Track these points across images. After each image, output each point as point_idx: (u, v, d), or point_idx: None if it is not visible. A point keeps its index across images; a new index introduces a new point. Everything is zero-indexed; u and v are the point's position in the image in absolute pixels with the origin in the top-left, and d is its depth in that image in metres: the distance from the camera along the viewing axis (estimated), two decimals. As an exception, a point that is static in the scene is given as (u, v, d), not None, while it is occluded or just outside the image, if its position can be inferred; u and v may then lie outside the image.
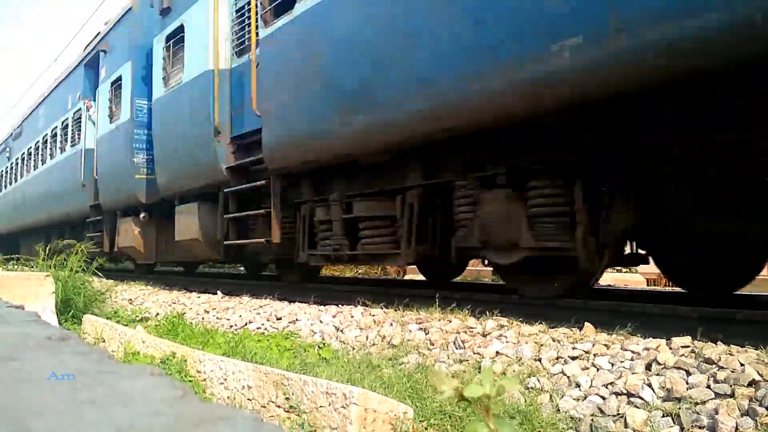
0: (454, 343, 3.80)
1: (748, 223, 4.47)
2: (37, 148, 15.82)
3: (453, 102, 4.05)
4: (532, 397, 2.91)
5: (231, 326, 5.59)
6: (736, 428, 2.29)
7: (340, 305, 5.46)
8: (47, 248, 6.61)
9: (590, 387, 2.86)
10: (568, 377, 3.02)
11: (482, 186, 4.59)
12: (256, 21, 6.38)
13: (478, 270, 12.87)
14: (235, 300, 6.83)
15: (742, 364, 2.61)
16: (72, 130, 12.97)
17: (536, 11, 3.48)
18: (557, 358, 3.23)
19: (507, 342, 3.60)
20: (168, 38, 8.36)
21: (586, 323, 3.65)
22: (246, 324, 5.52)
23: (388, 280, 11.73)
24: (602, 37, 3.11)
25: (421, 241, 5.09)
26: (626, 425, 2.52)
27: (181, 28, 7.99)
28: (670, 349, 2.99)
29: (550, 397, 2.89)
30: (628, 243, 5.12)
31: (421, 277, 11.90)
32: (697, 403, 2.48)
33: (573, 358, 3.17)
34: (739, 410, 2.36)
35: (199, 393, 3.05)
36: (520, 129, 4.11)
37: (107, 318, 5.17)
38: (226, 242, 7.28)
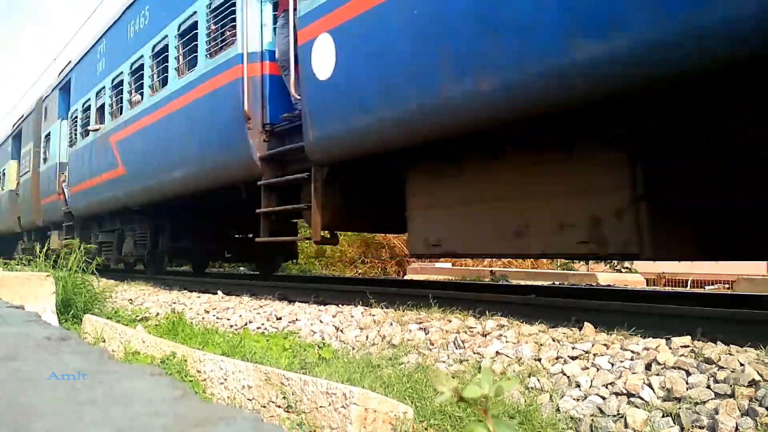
0: (454, 343, 3.80)
1: None
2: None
3: None
4: (532, 397, 2.91)
5: (231, 326, 5.59)
6: (736, 428, 2.29)
7: (340, 305, 5.46)
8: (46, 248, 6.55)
9: (590, 387, 2.86)
10: (568, 377, 3.02)
11: None
12: None
13: (478, 270, 12.87)
14: (235, 300, 6.82)
15: (742, 364, 2.61)
16: None
17: None
18: (557, 358, 3.23)
19: (507, 342, 3.61)
20: None
21: (586, 323, 3.65)
22: (246, 324, 5.52)
23: (388, 280, 11.73)
24: None
25: None
26: (626, 425, 2.52)
27: None
28: (670, 349, 2.99)
29: (550, 397, 2.89)
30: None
31: (420, 277, 11.90)
32: (697, 403, 2.48)
33: (573, 358, 3.17)
34: (739, 410, 2.36)
35: (199, 393, 3.05)
36: None
37: (107, 318, 5.16)
38: None
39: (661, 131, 3.72)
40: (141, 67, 8.97)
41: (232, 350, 3.92)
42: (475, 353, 3.58)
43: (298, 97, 5.56)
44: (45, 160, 13.84)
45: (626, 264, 14.77)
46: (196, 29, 7.28)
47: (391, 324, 4.42)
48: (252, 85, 6.24)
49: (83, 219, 11.95)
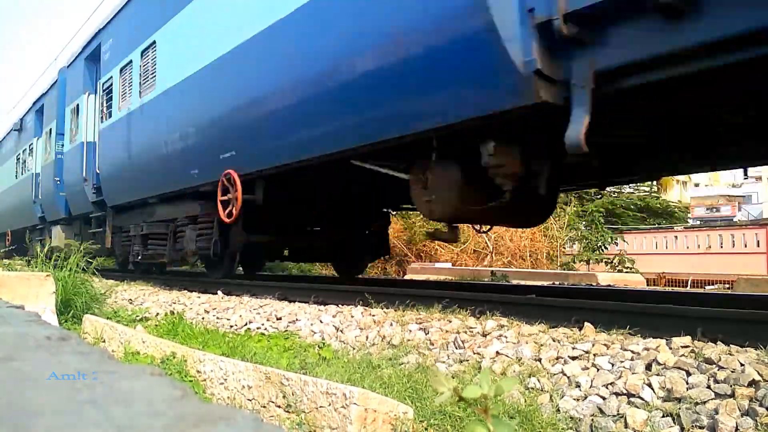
0: (454, 343, 3.80)
1: None
2: None
3: None
4: (532, 397, 2.91)
5: (231, 326, 5.59)
6: (737, 428, 2.29)
7: (340, 305, 5.46)
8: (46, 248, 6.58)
9: (590, 387, 2.86)
10: (568, 377, 3.02)
11: None
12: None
13: (478, 270, 12.87)
14: (235, 300, 6.82)
15: (742, 364, 2.61)
16: None
17: None
18: (557, 358, 3.23)
19: (507, 342, 3.60)
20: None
21: (586, 323, 3.65)
22: (246, 324, 5.52)
23: (388, 280, 11.73)
24: None
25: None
26: (626, 425, 2.52)
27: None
28: (670, 349, 2.99)
29: (550, 398, 2.89)
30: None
31: (420, 277, 11.90)
32: (697, 403, 2.48)
33: (573, 358, 3.17)
34: (739, 410, 2.36)
35: (199, 393, 3.05)
36: None
37: (107, 318, 5.16)
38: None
39: None
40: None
41: (232, 350, 3.92)
42: (475, 353, 3.58)
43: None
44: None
45: (627, 264, 14.80)
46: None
47: (391, 324, 4.42)
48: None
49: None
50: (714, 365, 2.69)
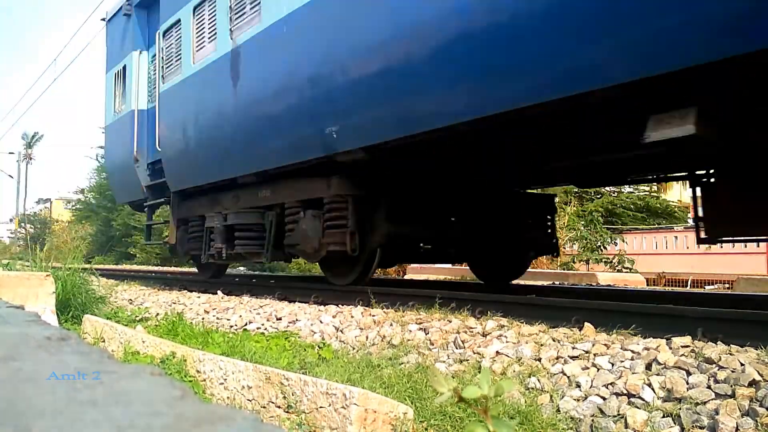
0: (454, 343, 3.80)
1: None
2: None
3: None
4: (532, 398, 2.91)
5: (231, 326, 5.59)
6: (737, 428, 2.29)
7: (340, 305, 5.46)
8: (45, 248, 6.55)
9: (590, 387, 2.86)
10: (569, 377, 3.02)
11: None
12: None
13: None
14: (235, 300, 6.82)
15: (742, 364, 2.61)
16: None
17: None
18: (557, 358, 3.23)
19: (507, 342, 3.60)
20: None
21: (586, 323, 3.65)
22: (246, 324, 5.52)
23: (388, 280, 11.73)
24: None
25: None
26: (627, 425, 2.52)
27: None
28: (670, 349, 2.99)
29: (551, 398, 2.89)
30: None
31: (420, 277, 11.91)
32: (697, 404, 2.48)
33: (573, 358, 3.17)
34: (740, 410, 2.36)
35: (199, 393, 3.05)
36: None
37: (107, 318, 5.16)
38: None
39: None
40: None
41: (232, 350, 3.92)
42: (475, 353, 3.58)
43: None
44: None
45: (626, 264, 14.81)
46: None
47: (391, 324, 4.42)
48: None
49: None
50: (714, 365, 2.69)
